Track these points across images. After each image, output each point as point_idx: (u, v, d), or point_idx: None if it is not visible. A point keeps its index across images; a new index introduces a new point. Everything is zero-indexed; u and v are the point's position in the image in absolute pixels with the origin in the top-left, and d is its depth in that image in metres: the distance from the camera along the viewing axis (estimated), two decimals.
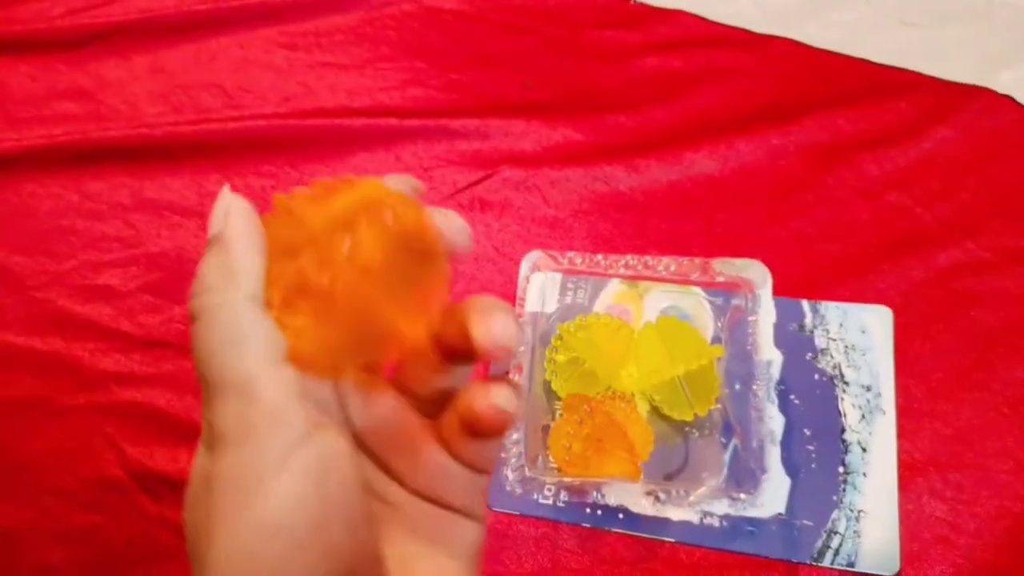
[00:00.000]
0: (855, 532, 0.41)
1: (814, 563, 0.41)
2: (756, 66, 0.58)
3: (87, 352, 0.53)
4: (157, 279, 0.56)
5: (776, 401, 0.42)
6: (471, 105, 0.60)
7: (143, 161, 0.62)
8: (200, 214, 0.58)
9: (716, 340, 0.46)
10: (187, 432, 0.49)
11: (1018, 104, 0.53)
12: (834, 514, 0.42)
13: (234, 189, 0.23)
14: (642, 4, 0.62)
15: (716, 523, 0.42)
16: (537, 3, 0.66)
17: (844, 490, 0.42)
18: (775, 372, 0.42)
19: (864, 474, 0.43)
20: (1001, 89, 0.54)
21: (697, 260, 0.46)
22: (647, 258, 0.47)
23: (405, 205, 0.23)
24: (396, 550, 0.25)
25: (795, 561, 0.41)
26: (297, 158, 0.60)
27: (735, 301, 0.47)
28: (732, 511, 0.41)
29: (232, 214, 0.23)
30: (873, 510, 0.42)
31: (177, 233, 0.58)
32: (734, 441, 0.43)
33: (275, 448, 0.21)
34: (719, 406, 0.44)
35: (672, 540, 0.42)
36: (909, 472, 0.43)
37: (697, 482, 0.43)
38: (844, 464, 0.43)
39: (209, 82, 0.66)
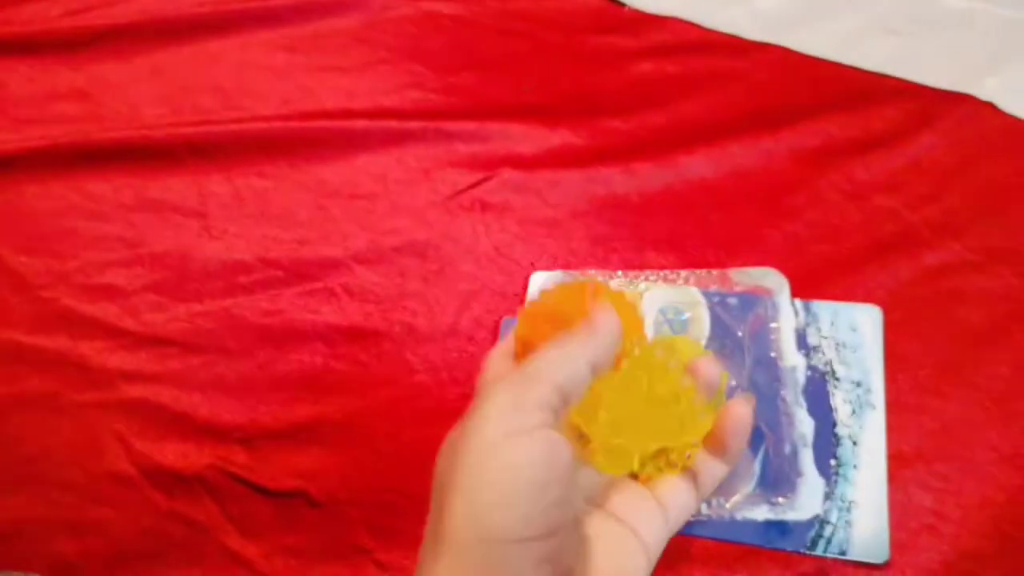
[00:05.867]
0: (846, 522, 0.43)
1: (807, 552, 0.43)
2: (748, 72, 0.59)
3: (93, 350, 0.53)
4: (161, 278, 0.56)
5: (805, 405, 0.44)
6: (469, 108, 0.61)
7: (144, 162, 0.62)
8: (202, 214, 0.59)
9: (714, 339, 0.48)
10: (194, 428, 0.49)
11: (999, 110, 0.55)
12: (826, 505, 0.44)
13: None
14: (637, 10, 0.64)
15: (712, 515, 0.44)
16: (533, 8, 0.67)
17: (836, 482, 0.44)
18: (800, 377, 0.44)
19: (855, 466, 0.44)
20: (984, 95, 0.55)
21: (715, 271, 0.47)
22: (666, 271, 0.48)
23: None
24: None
25: (789, 550, 0.43)
26: (299, 159, 0.60)
27: (757, 309, 0.48)
28: (772, 515, 0.43)
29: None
30: (863, 501, 0.43)
31: (180, 233, 0.58)
32: (763, 447, 0.45)
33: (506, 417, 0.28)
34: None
35: None
36: (898, 464, 0.44)
37: (731, 490, 0.44)
38: (836, 457, 0.45)
39: (209, 84, 0.67)
